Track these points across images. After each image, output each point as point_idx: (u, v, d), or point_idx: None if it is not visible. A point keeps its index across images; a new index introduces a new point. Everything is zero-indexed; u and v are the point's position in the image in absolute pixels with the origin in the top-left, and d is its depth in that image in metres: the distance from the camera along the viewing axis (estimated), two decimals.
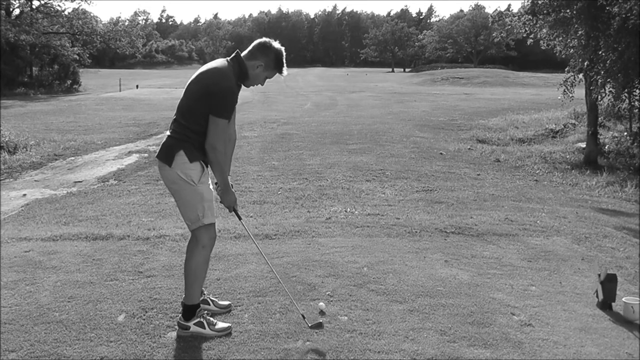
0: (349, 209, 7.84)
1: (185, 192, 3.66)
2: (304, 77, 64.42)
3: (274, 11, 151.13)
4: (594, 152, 15.27)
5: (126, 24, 49.56)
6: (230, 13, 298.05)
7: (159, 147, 3.75)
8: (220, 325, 3.74)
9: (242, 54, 3.71)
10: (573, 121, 20.51)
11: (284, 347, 3.55)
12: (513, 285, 4.75)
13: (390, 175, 10.98)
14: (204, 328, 3.68)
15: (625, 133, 17.03)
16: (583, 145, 16.26)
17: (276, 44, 3.70)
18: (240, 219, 3.96)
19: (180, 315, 3.76)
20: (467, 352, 3.54)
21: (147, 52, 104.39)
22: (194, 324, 3.69)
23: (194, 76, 3.68)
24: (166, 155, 3.67)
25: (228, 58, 3.73)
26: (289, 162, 12.42)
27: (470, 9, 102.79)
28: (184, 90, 3.68)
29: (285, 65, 3.73)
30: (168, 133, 3.73)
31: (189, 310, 3.71)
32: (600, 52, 14.02)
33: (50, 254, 5.41)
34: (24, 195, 9.62)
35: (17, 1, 42.51)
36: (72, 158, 13.47)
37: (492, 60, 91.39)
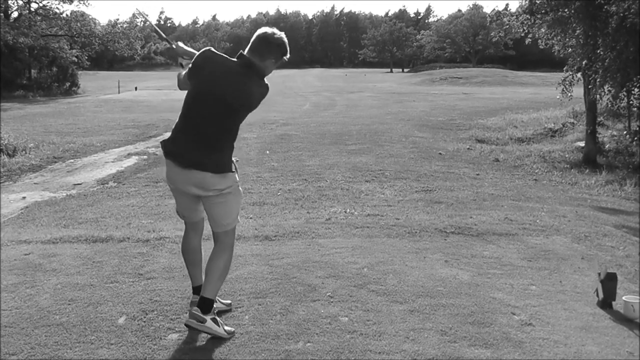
0: (348, 210, 7.84)
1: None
2: (302, 78, 64.41)
3: (272, 12, 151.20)
4: (593, 150, 15.29)
5: (124, 26, 49.40)
6: (228, 14, 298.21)
7: None
8: (228, 328, 3.73)
9: (249, 55, 3.70)
10: (572, 120, 20.53)
11: (285, 349, 3.55)
12: (513, 284, 4.75)
13: (389, 176, 10.99)
14: (218, 326, 3.67)
15: (625, 132, 17.05)
16: (582, 144, 16.27)
17: (277, 36, 3.71)
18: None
19: (196, 307, 3.69)
20: (467, 352, 3.54)
21: (146, 54, 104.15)
22: (210, 318, 3.66)
23: None
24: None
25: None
26: (288, 163, 12.43)
27: (468, 8, 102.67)
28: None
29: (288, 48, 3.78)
30: None
31: (209, 305, 3.70)
32: (598, 51, 14.05)
33: (50, 256, 5.40)
34: (24, 198, 9.62)
35: (15, 4, 42.57)
36: (72, 160, 13.47)
37: (491, 60, 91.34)
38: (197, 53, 3.77)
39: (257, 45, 3.70)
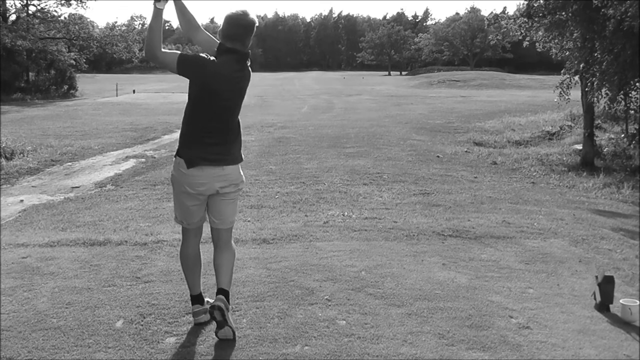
0: (346, 213, 7.84)
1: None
2: (300, 81, 64.51)
3: (270, 15, 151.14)
4: (591, 153, 15.29)
5: (122, 28, 49.43)
6: None
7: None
8: None
9: (231, 45, 3.70)
10: (569, 123, 20.56)
11: (283, 352, 3.55)
12: (511, 287, 4.75)
13: (387, 179, 10.99)
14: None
15: (622, 135, 17.07)
16: (579, 147, 16.28)
17: (250, 17, 3.72)
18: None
19: (220, 295, 3.76)
20: (465, 356, 3.54)
21: (144, 56, 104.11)
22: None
23: None
24: None
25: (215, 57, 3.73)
26: (287, 166, 12.42)
27: (466, 11, 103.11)
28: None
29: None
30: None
31: (228, 296, 3.81)
32: (595, 54, 14.07)
33: (48, 260, 5.40)
34: (21, 201, 9.61)
35: (13, 6, 42.59)
36: (69, 163, 13.46)
37: (489, 63, 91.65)
38: (198, 57, 3.72)
39: (239, 33, 3.70)
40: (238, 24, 3.70)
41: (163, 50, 3.64)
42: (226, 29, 3.70)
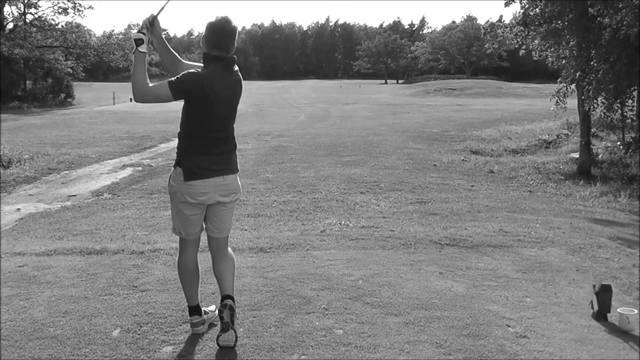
0: (343, 222, 7.84)
1: None
2: (297, 89, 64.58)
3: (267, 24, 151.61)
4: (587, 162, 15.31)
5: (120, 37, 49.45)
6: None
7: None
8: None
9: (218, 53, 3.69)
10: (566, 131, 20.61)
11: None
12: (508, 296, 4.75)
13: (384, 187, 10.99)
14: None
15: (619, 143, 17.11)
16: (576, 155, 16.31)
17: (232, 24, 3.72)
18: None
19: (229, 299, 3.84)
20: None
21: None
22: None
23: None
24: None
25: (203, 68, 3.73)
26: (283, 175, 12.42)
27: (463, 20, 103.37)
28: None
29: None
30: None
31: (234, 301, 3.89)
32: (592, 63, 14.13)
33: (45, 268, 5.38)
34: (18, 209, 9.59)
35: (10, 15, 42.66)
36: (66, 172, 13.45)
37: (485, 71, 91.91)
38: (188, 74, 3.62)
39: (224, 40, 3.69)
40: (223, 30, 3.68)
41: (150, 85, 3.56)
42: (210, 37, 3.68)
